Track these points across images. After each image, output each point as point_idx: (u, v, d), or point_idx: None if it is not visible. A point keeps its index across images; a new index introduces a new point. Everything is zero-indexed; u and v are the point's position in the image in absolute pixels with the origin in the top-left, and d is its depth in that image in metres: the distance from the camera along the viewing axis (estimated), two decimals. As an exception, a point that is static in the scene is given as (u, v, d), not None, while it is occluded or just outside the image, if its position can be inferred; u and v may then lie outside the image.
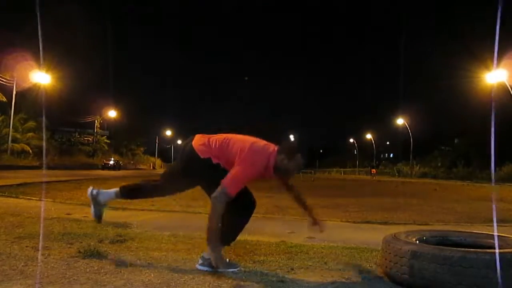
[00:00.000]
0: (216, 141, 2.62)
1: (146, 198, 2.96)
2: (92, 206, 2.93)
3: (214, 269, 2.45)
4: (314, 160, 78.32)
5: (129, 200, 3.01)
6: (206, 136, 2.68)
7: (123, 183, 2.99)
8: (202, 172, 2.59)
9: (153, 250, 2.99)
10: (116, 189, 2.89)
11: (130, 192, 2.92)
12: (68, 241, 3.17)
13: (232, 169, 2.47)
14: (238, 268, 2.51)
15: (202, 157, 2.56)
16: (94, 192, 2.90)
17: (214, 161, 2.56)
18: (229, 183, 2.40)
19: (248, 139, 2.61)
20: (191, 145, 2.63)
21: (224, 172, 2.48)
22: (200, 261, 2.52)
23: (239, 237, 2.70)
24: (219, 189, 2.39)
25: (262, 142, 2.63)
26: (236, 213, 2.51)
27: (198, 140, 2.64)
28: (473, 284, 2.01)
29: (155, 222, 4.59)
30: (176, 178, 2.80)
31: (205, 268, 2.47)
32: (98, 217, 2.95)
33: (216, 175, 2.47)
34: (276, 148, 2.59)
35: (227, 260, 2.56)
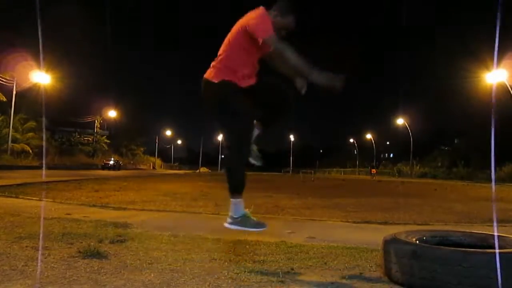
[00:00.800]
0: (219, 54, 2.60)
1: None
2: (241, 227, 2.56)
3: (245, 228, 2.49)
4: (314, 160, 78.33)
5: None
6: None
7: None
8: (220, 98, 2.53)
9: (153, 250, 2.99)
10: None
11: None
12: (68, 241, 3.17)
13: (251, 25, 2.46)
14: (266, 227, 2.57)
15: (216, 81, 2.55)
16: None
17: (227, 78, 2.53)
18: (265, 31, 2.41)
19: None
20: (203, 78, 2.60)
21: (239, 94, 2.49)
22: (229, 220, 2.54)
23: (239, 237, 2.69)
24: (267, 40, 2.41)
25: None
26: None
27: (207, 72, 2.62)
28: (473, 284, 2.01)
29: (155, 222, 4.59)
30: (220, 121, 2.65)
31: (235, 227, 2.50)
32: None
33: (232, 105, 2.48)
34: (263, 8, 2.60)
35: (255, 219, 2.58)
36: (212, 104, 2.62)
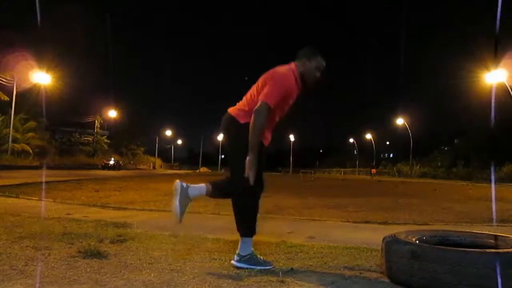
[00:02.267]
0: (245, 99, 2.67)
1: (229, 197, 2.71)
2: (177, 199, 2.56)
3: (252, 266, 2.51)
4: (314, 160, 78.32)
5: (217, 198, 2.84)
6: (237, 104, 2.72)
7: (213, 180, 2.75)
8: (242, 138, 2.54)
9: (153, 250, 2.99)
10: (207, 184, 2.67)
11: (219, 188, 2.69)
12: (68, 241, 3.17)
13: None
14: (273, 266, 2.57)
15: (242, 122, 2.58)
16: (184, 185, 2.61)
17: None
18: (266, 96, 2.49)
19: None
20: (228, 113, 2.67)
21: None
22: (236, 258, 2.56)
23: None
24: (258, 103, 2.48)
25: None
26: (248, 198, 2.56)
27: (232, 109, 2.69)
28: (473, 284, 2.01)
29: (155, 222, 4.59)
30: (231, 161, 2.66)
31: (242, 265, 2.52)
32: (182, 213, 2.58)
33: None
34: (294, 62, 2.69)
35: (262, 258, 2.62)
36: (234, 141, 2.64)
